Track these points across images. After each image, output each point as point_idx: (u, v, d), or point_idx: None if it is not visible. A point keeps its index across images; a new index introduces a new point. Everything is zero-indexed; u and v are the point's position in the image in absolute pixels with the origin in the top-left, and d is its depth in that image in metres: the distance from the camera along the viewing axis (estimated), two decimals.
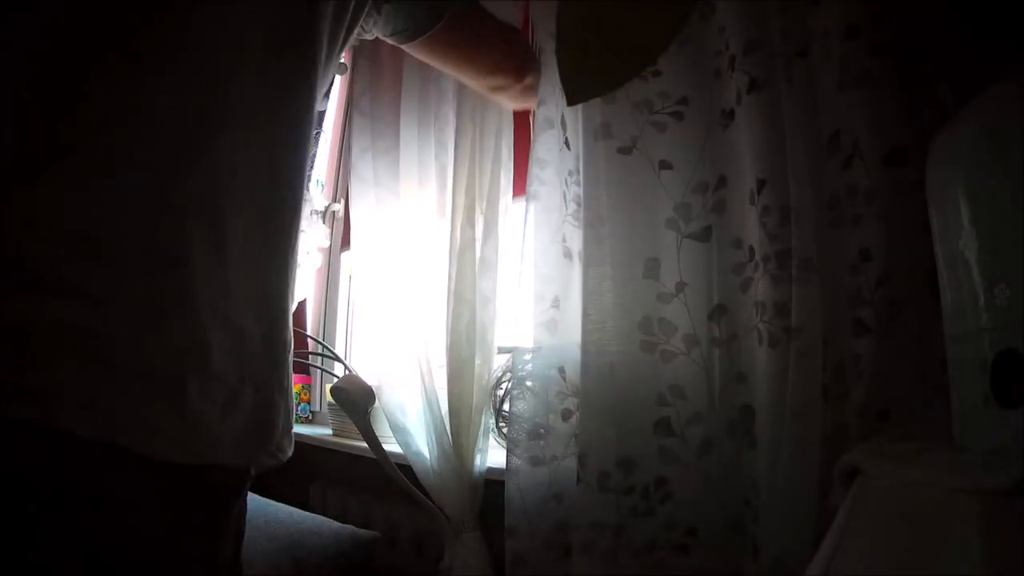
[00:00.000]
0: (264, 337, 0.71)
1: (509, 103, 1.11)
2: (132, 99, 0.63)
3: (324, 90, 0.81)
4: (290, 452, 0.75)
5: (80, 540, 0.57)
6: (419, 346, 1.19)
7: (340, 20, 0.80)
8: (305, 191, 0.76)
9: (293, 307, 0.77)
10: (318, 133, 2.11)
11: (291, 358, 0.75)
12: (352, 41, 0.86)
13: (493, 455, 1.17)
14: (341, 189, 2.07)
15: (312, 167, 2.09)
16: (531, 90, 1.04)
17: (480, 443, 1.12)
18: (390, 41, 0.95)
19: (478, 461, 1.12)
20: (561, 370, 0.97)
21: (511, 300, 1.03)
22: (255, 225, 0.70)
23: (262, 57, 0.70)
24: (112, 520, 0.59)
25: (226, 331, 0.66)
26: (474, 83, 1.08)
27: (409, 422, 1.20)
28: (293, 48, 0.74)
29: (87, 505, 0.57)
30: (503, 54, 1.02)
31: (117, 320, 0.59)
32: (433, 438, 1.14)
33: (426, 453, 1.16)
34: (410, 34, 0.93)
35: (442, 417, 1.14)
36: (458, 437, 1.11)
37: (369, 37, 0.93)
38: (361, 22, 0.86)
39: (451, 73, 1.06)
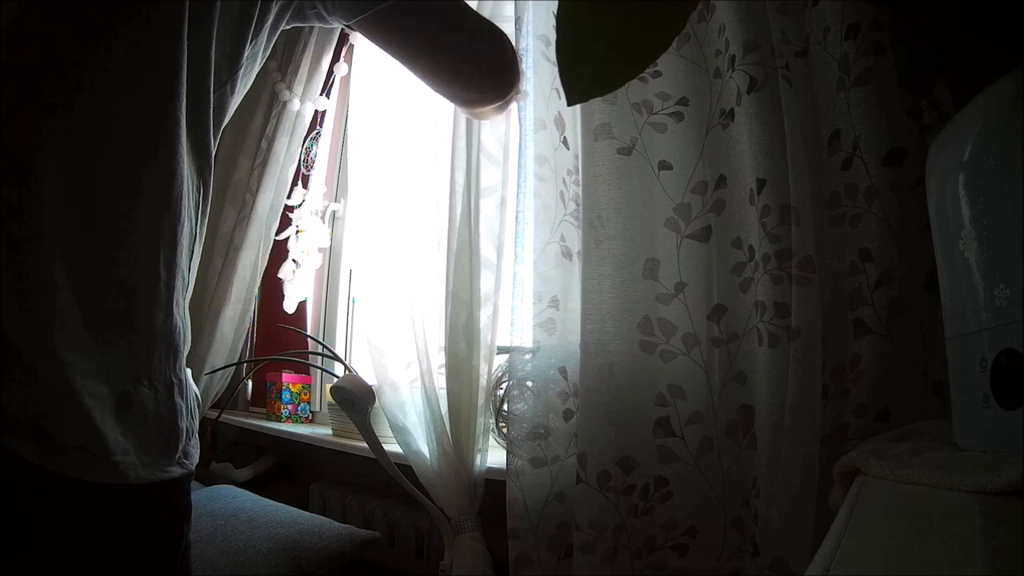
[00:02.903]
0: (154, 328, 0.64)
1: (487, 112, 1.00)
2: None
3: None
4: (196, 459, 0.68)
5: None
6: (419, 346, 1.19)
7: None
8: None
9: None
10: (318, 133, 2.11)
11: (185, 349, 0.68)
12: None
13: (493, 455, 1.17)
14: (341, 189, 2.07)
15: (310, 164, 2.09)
16: (509, 104, 0.96)
17: (480, 443, 1.12)
18: (336, 21, 0.83)
19: (478, 461, 1.12)
20: (562, 370, 0.96)
21: (511, 300, 1.03)
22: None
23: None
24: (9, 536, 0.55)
25: (102, 317, 0.60)
26: (438, 87, 0.93)
27: (409, 422, 1.20)
28: None
29: None
30: (476, 56, 0.89)
31: None
32: (433, 438, 1.14)
33: (426, 453, 1.16)
34: (347, 12, 0.81)
35: (442, 417, 1.14)
36: (458, 437, 1.11)
37: (323, 25, 0.83)
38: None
39: (411, 69, 0.90)
